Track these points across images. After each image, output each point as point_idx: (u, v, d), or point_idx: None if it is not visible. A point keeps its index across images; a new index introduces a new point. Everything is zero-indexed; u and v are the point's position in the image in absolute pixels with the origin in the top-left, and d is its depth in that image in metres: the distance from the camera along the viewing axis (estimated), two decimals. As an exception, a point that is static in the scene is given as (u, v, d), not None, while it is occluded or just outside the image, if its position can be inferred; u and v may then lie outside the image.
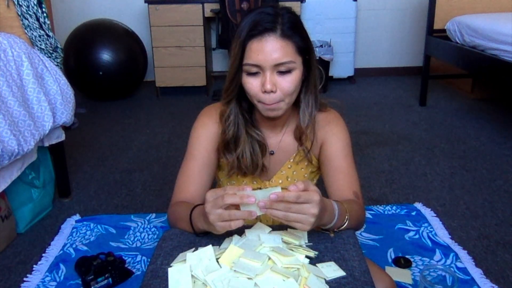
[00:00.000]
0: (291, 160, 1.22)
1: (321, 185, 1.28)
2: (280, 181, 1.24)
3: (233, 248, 0.90)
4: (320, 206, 0.86)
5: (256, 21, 1.02)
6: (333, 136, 1.18)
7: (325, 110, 1.21)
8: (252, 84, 1.05)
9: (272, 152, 1.22)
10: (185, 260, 0.91)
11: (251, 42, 1.02)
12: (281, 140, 1.21)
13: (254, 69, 1.03)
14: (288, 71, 1.04)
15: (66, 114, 2.04)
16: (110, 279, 1.58)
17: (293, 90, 1.06)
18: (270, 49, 1.01)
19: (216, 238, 0.98)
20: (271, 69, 1.02)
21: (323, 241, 0.99)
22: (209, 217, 0.87)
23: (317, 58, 3.96)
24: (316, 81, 1.13)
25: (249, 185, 1.20)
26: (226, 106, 1.14)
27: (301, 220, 0.85)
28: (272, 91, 1.03)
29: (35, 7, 2.04)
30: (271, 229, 0.98)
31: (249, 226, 1.00)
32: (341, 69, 4.39)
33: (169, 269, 0.88)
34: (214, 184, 1.37)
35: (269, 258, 0.88)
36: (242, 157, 1.15)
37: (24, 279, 1.67)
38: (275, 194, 0.84)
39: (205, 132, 1.18)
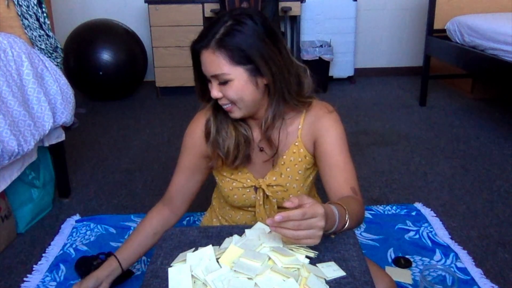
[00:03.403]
0: (284, 157, 1.22)
1: (320, 183, 1.28)
2: (274, 178, 1.24)
3: (233, 248, 0.90)
4: (325, 217, 0.86)
5: (199, 35, 1.10)
6: (326, 131, 1.17)
7: (312, 107, 1.20)
8: (210, 90, 1.13)
9: (261, 149, 1.22)
10: (185, 260, 0.91)
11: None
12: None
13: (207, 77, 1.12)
14: (225, 82, 1.09)
15: (66, 114, 2.04)
16: (110, 279, 1.58)
17: (237, 97, 1.10)
18: (205, 62, 1.09)
19: (216, 238, 0.99)
20: (213, 79, 1.10)
21: (323, 241, 0.98)
22: None
23: (317, 58, 3.97)
24: (283, 89, 1.12)
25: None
26: (209, 110, 1.22)
27: (311, 236, 0.85)
28: (217, 98, 1.11)
29: (35, 7, 2.04)
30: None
31: (249, 226, 1.00)
32: (341, 69, 4.38)
33: (169, 269, 0.88)
34: (214, 183, 1.38)
35: (269, 258, 0.88)
36: (228, 151, 1.19)
37: (24, 279, 1.67)
38: (280, 215, 0.82)
39: (192, 141, 1.26)
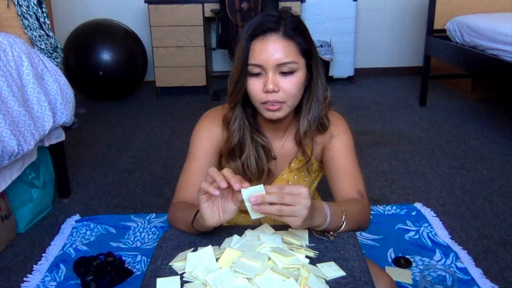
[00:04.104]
0: (292, 164, 1.21)
1: (323, 186, 1.28)
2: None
3: (230, 251, 0.90)
4: (310, 196, 0.86)
5: (260, 22, 1.03)
6: (335, 137, 1.17)
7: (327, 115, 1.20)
8: (254, 86, 1.04)
9: (274, 157, 1.21)
10: (185, 259, 0.91)
11: (254, 42, 1.03)
12: (283, 145, 1.20)
13: (257, 70, 1.03)
14: (290, 72, 1.03)
15: (66, 114, 2.04)
16: (110, 279, 1.58)
17: (295, 92, 1.05)
18: (273, 48, 1.01)
19: (216, 238, 0.98)
20: (273, 69, 1.02)
21: (323, 241, 0.99)
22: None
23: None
24: (318, 91, 1.12)
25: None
26: (231, 112, 1.13)
27: (295, 213, 0.84)
28: (274, 91, 1.02)
29: (35, 7, 2.04)
30: (274, 230, 0.98)
31: (249, 227, 1.00)
32: (341, 69, 4.38)
33: (158, 280, 0.87)
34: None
35: (269, 258, 0.88)
36: (247, 163, 1.14)
37: (24, 279, 1.67)
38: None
39: (207, 134, 1.17)
